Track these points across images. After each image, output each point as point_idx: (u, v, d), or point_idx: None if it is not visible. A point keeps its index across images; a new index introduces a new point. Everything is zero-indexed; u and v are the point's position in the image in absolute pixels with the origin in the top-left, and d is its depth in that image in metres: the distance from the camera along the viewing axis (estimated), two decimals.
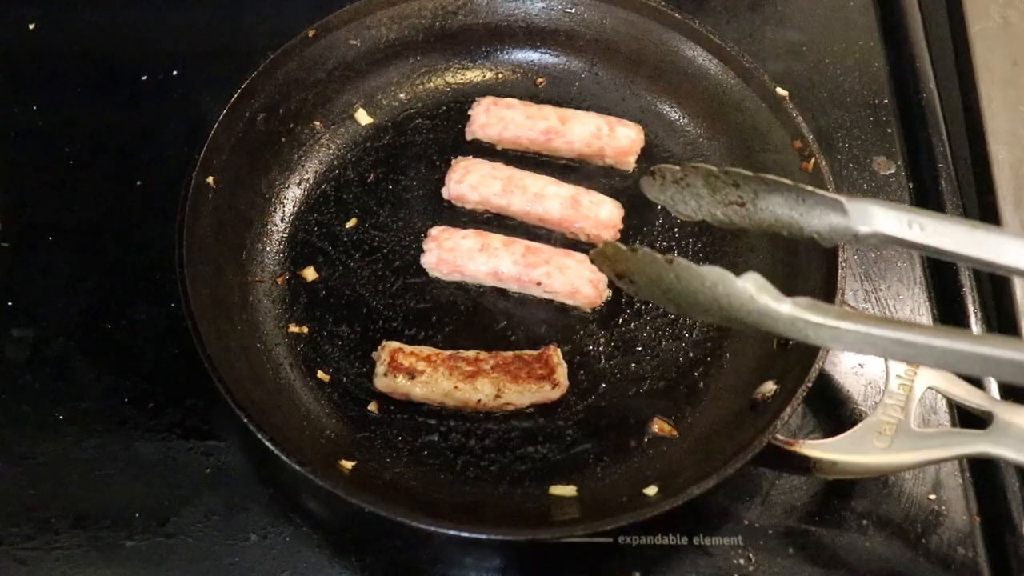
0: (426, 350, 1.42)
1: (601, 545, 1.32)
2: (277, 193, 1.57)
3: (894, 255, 1.61)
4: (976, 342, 0.89)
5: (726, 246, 1.54)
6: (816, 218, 0.99)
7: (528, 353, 1.43)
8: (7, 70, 1.76)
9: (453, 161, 1.58)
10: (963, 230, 0.95)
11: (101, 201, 1.63)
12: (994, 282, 1.56)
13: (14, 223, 1.60)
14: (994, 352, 0.87)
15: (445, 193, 1.57)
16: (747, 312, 0.96)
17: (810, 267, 1.42)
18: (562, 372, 1.41)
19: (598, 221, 1.53)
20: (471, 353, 1.42)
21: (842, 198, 0.99)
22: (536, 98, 1.67)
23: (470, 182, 1.55)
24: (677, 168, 1.21)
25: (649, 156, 1.62)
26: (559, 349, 1.43)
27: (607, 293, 1.49)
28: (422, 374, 1.39)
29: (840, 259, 1.36)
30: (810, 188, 1.02)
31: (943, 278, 1.57)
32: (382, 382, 1.40)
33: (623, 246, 1.14)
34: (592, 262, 1.23)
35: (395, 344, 1.42)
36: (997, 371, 0.94)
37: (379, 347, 1.43)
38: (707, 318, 1.06)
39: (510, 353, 1.42)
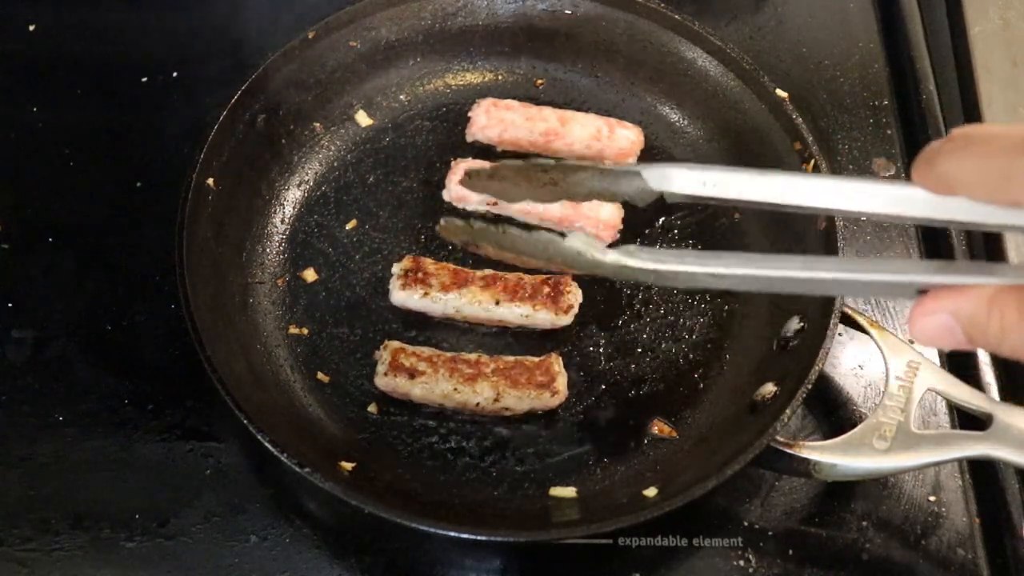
0: (427, 351, 1.42)
1: (601, 546, 1.31)
2: (277, 194, 1.57)
3: (893, 249, 1.61)
4: (764, 265, 0.95)
5: (725, 248, 1.54)
6: (623, 186, 1.07)
7: (529, 359, 1.42)
8: (7, 70, 1.75)
9: (453, 163, 1.58)
10: (745, 177, 0.99)
11: (101, 202, 1.62)
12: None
13: (14, 224, 1.59)
14: (796, 274, 0.93)
15: (446, 195, 1.57)
16: (579, 264, 1.07)
17: None
18: (562, 381, 1.41)
19: (598, 221, 1.53)
20: (472, 356, 1.42)
21: (640, 167, 1.07)
22: (536, 100, 1.66)
23: None
24: (488, 165, 1.30)
25: (649, 157, 1.62)
26: (560, 357, 1.43)
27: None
28: (422, 375, 1.38)
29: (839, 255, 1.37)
30: (608, 165, 1.11)
31: None
32: (382, 381, 1.40)
33: (460, 221, 1.23)
34: (441, 234, 1.33)
35: (397, 344, 1.42)
36: (808, 289, 1.01)
37: (382, 346, 1.43)
38: (550, 266, 1.21)
39: (512, 358, 1.42)
